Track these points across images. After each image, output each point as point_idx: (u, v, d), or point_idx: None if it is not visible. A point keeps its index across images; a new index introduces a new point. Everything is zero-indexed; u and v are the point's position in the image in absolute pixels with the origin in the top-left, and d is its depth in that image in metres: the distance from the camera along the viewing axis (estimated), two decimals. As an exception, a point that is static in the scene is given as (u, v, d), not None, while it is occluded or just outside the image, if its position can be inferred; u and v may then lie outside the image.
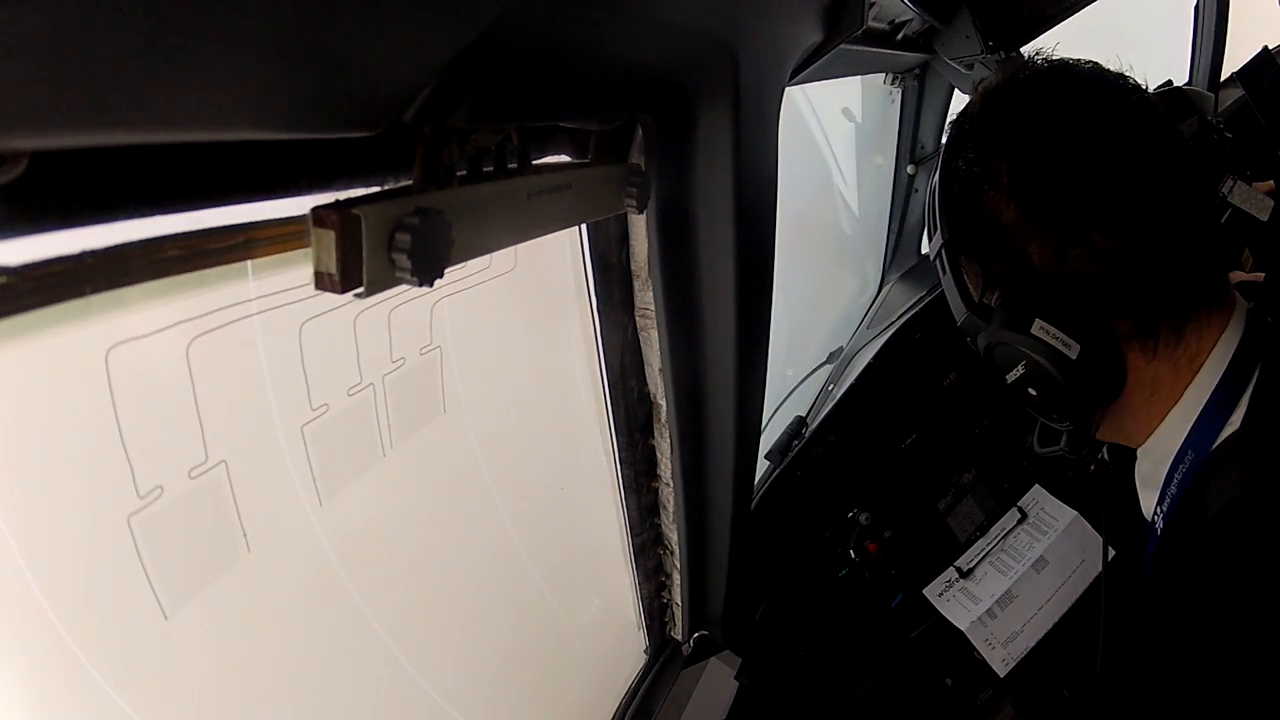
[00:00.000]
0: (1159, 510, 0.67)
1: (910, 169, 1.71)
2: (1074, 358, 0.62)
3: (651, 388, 0.91)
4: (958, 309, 0.72)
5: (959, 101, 1.59)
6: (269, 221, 0.42)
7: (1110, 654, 0.75)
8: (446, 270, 0.44)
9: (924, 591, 1.46)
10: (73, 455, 0.42)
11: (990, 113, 0.68)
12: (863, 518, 1.44)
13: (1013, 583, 1.44)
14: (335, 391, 0.59)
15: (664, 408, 0.91)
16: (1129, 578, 1.49)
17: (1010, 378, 0.67)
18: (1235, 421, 0.61)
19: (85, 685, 0.45)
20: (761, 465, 1.30)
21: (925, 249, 1.88)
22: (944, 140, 0.73)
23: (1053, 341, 0.62)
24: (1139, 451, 0.71)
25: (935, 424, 1.56)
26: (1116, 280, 0.62)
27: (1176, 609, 0.59)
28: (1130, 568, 1.51)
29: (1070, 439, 0.72)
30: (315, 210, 0.39)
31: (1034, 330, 0.63)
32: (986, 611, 1.42)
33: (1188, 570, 0.60)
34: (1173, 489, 0.65)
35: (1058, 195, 0.63)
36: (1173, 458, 0.65)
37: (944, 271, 0.72)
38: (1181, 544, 0.62)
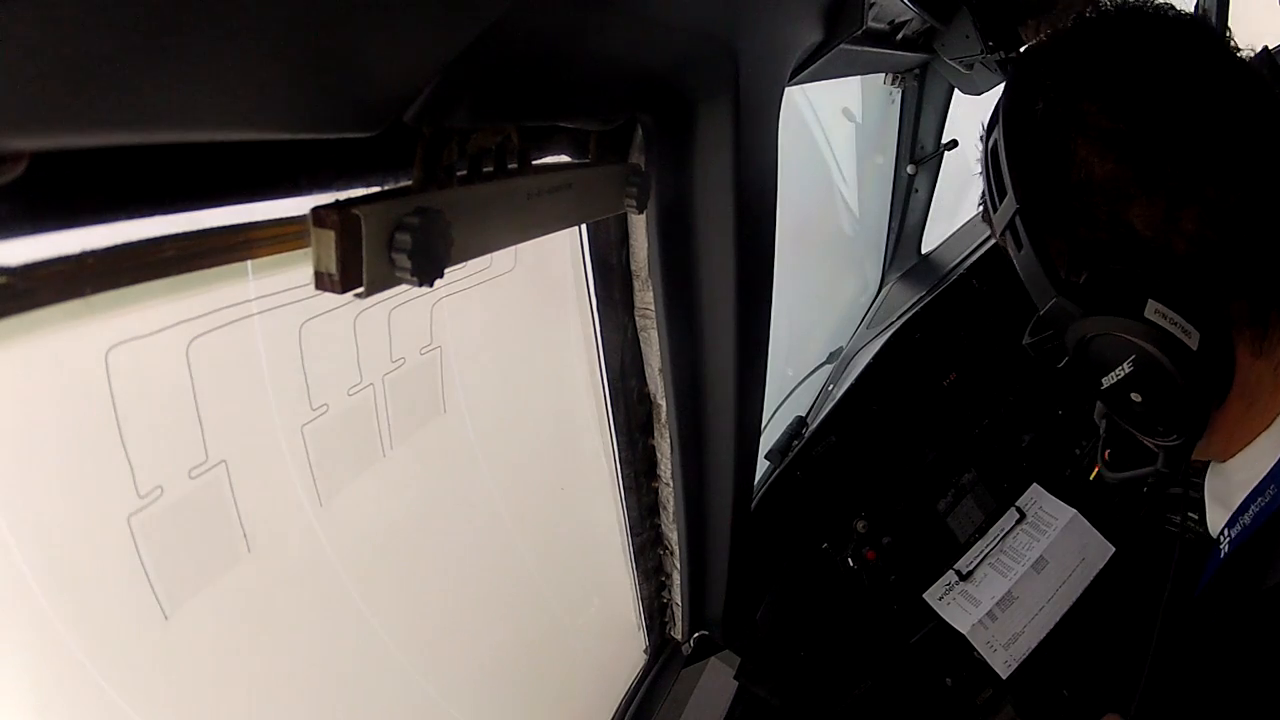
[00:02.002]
0: (1227, 533, 0.59)
1: (910, 169, 1.70)
2: (1195, 349, 0.50)
3: (651, 388, 0.91)
4: (1043, 292, 0.56)
5: (959, 101, 1.59)
6: (269, 221, 0.42)
7: (1158, 668, 0.65)
8: (446, 270, 0.44)
9: (924, 595, 1.46)
10: (73, 455, 0.42)
11: (1069, 48, 0.56)
12: (860, 525, 1.44)
13: (1013, 584, 1.44)
14: (335, 391, 0.59)
15: (664, 408, 0.91)
16: (1132, 579, 1.49)
17: (1109, 381, 0.54)
18: None
19: (85, 685, 0.45)
20: (761, 465, 1.30)
21: (926, 247, 1.88)
22: (1005, 84, 0.59)
23: (1171, 328, 0.50)
24: (1213, 467, 0.62)
25: (935, 424, 1.56)
26: (1235, 244, 0.51)
27: (1231, 663, 0.53)
28: (1132, 568, 1.51)
29: (1170, 456, 0.58)
30: (315, 210, 0.39)
31: (1149, 314, 0.50)
32: (987, 614, 1.42)
33: (1252, 632, 0.52)
34: (1247, 519, 0.57)
35: (1167, 143, 0.51)
36: (1252, 487, 0.56)
37: (1019, 246, 0.57)
38: (1246, 596, 0.55)
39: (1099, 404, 0.69)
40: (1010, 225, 0.57)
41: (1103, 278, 0.53)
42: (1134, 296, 0.51)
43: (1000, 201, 0.58)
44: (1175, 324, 0.50)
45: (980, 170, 0.62)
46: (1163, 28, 0.55)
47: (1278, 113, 0.52)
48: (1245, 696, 0.50)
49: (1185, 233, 0.51)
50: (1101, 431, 0.70)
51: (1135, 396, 0.54)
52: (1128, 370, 0.53)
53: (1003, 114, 0.58)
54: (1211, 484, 0.63)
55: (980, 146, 0.62)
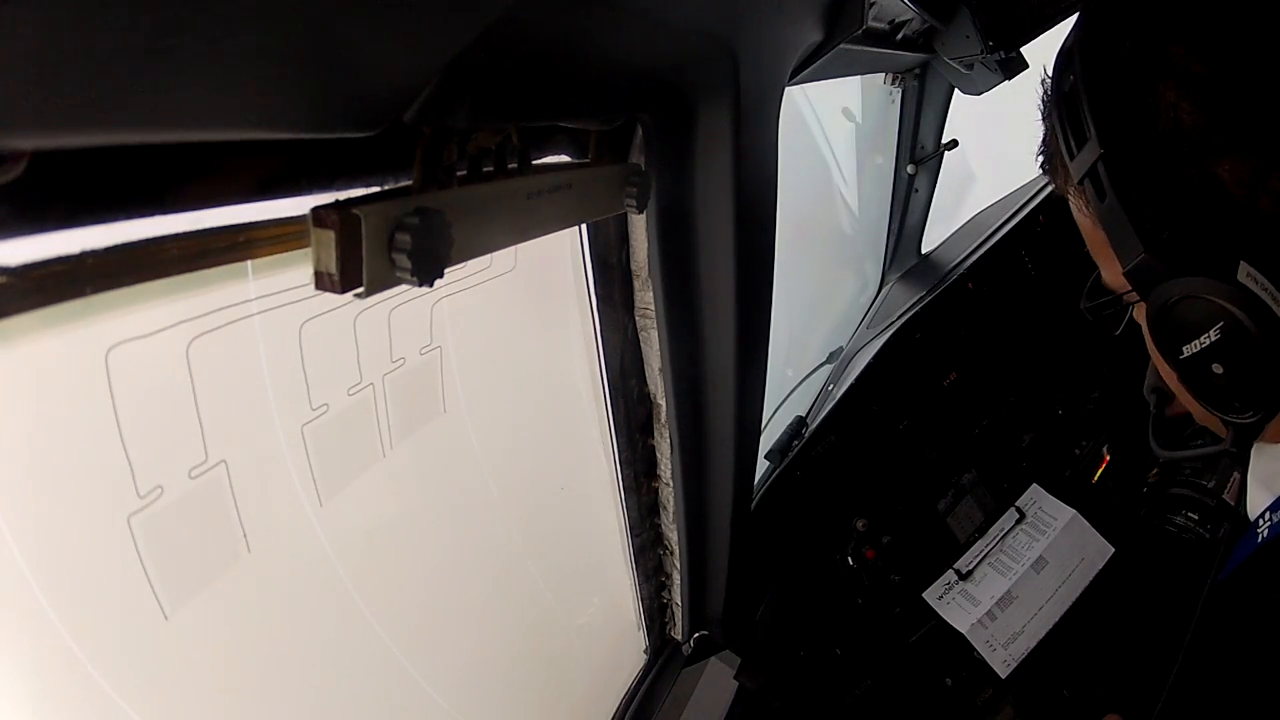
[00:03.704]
0: (1268, 517, 0.58)
1: (910, 169, 1.70)
2: None
3: (651, 388, 0.91)
4: (1129, 248, 0.52)
5: (959, 101, 1.59)
6: (269, 221, 0.42)
7: (1190, 656, 0.62)
8: (446, 270, 0.44)
9: (924, 595, 1.46)
10: (73, 455, 0.42)
11: None
12: (860, 524, 1.44)
13: (1012, 583, 1.44)
14: (335, 391, 0.59)
15: (664, 408, 0.91)
16: (1131, 579, 1.49)
17: (1190, 349, 0.51)
18: None
19: (85, 685, 0.45)
20: (761, 465, 1.31)
21: (926, 247, 1.88)
22: (1079, 18, 0.56)
23: (1262, 294, 0.47)
24: (1262, 448, 0.59)
25: (935, 424, 1.56)
26: None
27: (1271, 643, 0.52)
28: (1131, 568, 1.51)
29: (1241, 434, 0.55)
30: (315, 210, 0.39)
31: (1241, 277, 0.47)
32: (986, 613, 1.42)
33: None
34: None
35: (1261, 95, 0.47)
36: None
37: (1101, 197, 0.52)
38: None
39: (1151, 378, 0.66)
40: (1091, 173, 0.52)
41: (1192, 235, 0.49)
42: (1226, 257, 0.47)
43: (1079, 148, 0.53)
44: (1267, 290, 0.47)
45: (1044, 115, 0.59)
46: None
47: None
48: None
49: (1275, 192, 0.47)
50: (1152, 408, 0.67)
51: (1217, 368, 0.51)
52: (1213, 338, 0.49)
53: (1079, 53, 0.53)
54: (1258, 466, 0.60)
55: (1044, 90, 0.59)
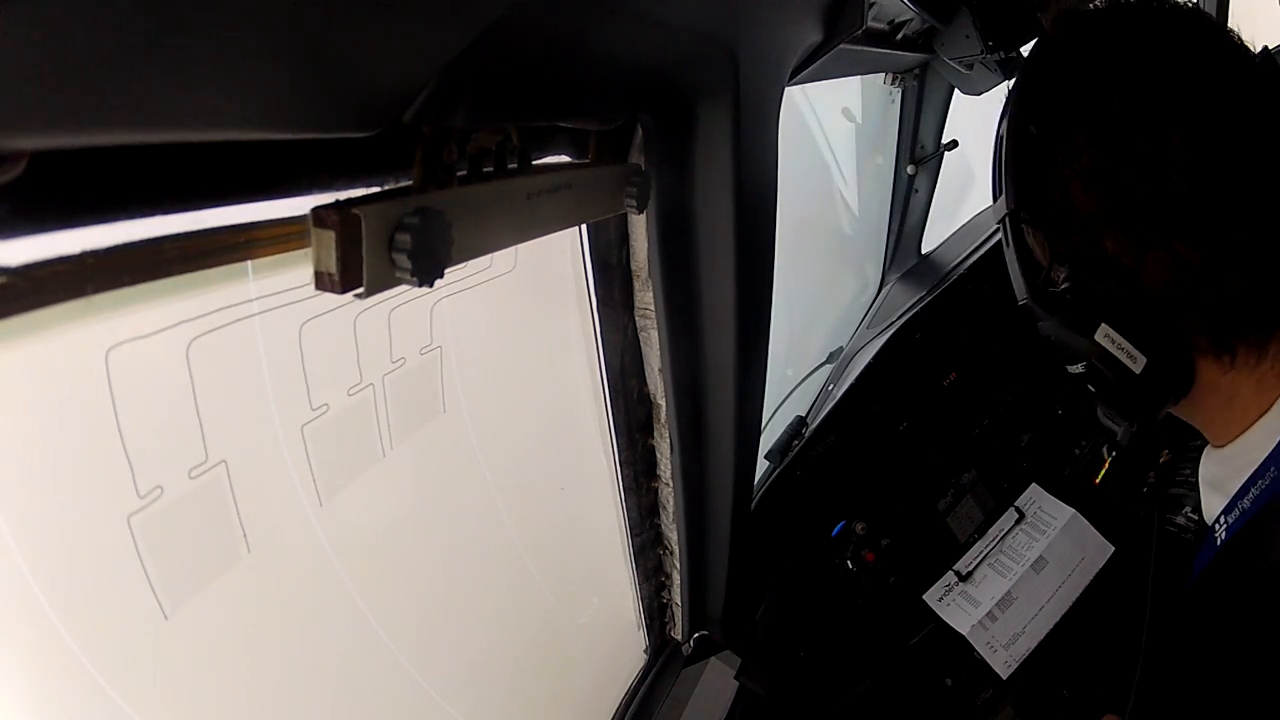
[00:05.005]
0: (1223, 520, 0.60)
1: (910, 169, 1.70)
2: (1138, 372, 0.55)
3: (651, 388, 0.91)
4: (1020, 289, 0.63)
5: (959, 101, 1.59)
6: (269, 221, 0.42)
7: (1152, 659, 0.68)
8: (446, 270, 0.44)
9: (924, 597, 1.46)
10: (73, 455, 0.42)
11: (1071, 63, 0.58)
12: (859, 527, 1.44)
13: (1012, 584, 1.44)
14: (335, 391, 0.59)
15: (664, 408, 0.91)
16: (1131, 578, 1.49)
17: (1072, 370, 0.61)
18: None
19: (85, 685, 0.45)
20: (761, 465, 1.31)
21: (926, 247, 1.88)
22: (1014, 83, 0.63)
23: (1116, 353, 0.56)
24: (1208, 451, 0.64)
25: (935, 424, 1.56)
26: (1196, 296, 0.54)
27: (1231, 645, 0.53)
28: (1131, 568, 1.51)
29: (1126, 437, 0.64)
30: (315, 210, 0.39)
31: (1098, 337, 0.56)
32: (987, 614, 1.42)
33: (1247, 613, 0.54)
34: (1245, 503, 0.58)
35: (1141, 191, 0.53)
36: (1252, 470, 0.57)
37: (1007, 244, 0.63)
38: (1244, 577, 0.55)
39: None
40: (1003, 222, 0.63)
41: (1069, 289, 0.57)
42: (1089, 317, 0.56)
43: (998, 197, 0.64)
44: (1122, 349, 0.56)
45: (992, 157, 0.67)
46: (1177, 42, 0.55)
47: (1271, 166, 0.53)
48: (1248, 677, 0.50)
49: (1149, 273, 0.54)
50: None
51: (1091, 388, 0.61)
52: (1081, 370, 0.59)
53: (1009, 115, 0.61)
54: (1206, 469, 0.64)
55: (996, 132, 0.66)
